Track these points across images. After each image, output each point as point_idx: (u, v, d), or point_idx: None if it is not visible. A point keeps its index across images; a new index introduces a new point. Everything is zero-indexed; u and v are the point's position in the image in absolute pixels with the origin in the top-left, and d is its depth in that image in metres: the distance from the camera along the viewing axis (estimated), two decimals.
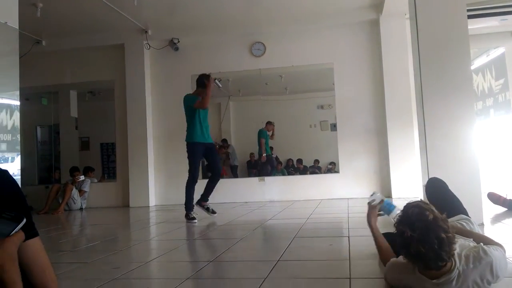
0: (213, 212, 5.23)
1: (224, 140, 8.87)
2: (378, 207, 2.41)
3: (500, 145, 7.59)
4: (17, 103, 4.69)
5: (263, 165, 8.44)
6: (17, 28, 4.50)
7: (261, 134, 8.42)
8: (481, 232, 2.36)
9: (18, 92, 4.76)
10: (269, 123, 8.51)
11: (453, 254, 1.62)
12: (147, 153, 7.50)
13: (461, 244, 1.75)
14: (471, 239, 1.92)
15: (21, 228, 0.86)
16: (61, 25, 7.26)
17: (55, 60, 8.05)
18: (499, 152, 7.47)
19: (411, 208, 1.65)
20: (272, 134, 8.40)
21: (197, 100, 4.97)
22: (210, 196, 5.24)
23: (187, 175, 5.07)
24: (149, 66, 7.70)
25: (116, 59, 7.77)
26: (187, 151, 5.07)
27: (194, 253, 3.23)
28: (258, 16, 7.14)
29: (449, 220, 2.08)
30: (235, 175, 8.41)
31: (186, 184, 5.05)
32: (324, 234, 3.65)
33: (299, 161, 8.70)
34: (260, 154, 8.42)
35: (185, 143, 5.10)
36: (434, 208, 1.65)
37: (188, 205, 4.99)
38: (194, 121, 5.02)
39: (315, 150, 8.97)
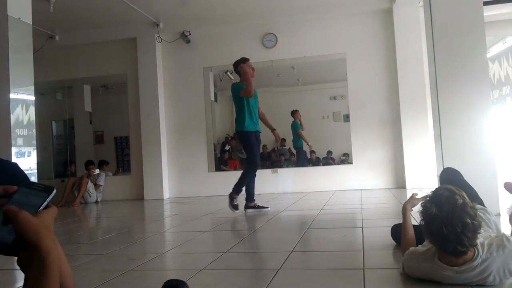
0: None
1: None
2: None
3: None
4: (32, 98, 4.74)
5: (301, 155, 8.41)
6: (31, 23, 4.55)
7: (297, 126, 8.45)
8: (497, 222, 2.33)
9: (33, 87, 4.82)
10: (296, 111, 8.51)
11: (476, 243, 1.60)
12: (160, 146, 7.56)
13: (483, 234, 1.73)
14: (491, 230, 1.90)
15: None
16: (73, 20, 7.32)
17: (68, 54, 8.13)
18: None
19: (443, 190, 1.63)
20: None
21: (242, 89, 4.82)
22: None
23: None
24: (161, 59, 7.73)
25: (129, 53, 7.81)
26: (241, 142, 4.94)
27: (208, 245, 3.25)
28: (269, 7, 7.09)
29: None
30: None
31: (245, 172, 4.85)
32: (338, 225, 3.64)
33: (312, 152, 8.69)
34: (299, 146, 8.38)
35: (235, 132, 4.90)
36: (466, 195, 1.63)
37: (237, 190, 4.81)
38: (244, 110, 4.84)
39: (328, 142, 8.94)
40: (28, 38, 4.58)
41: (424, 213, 1.60)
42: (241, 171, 4.95)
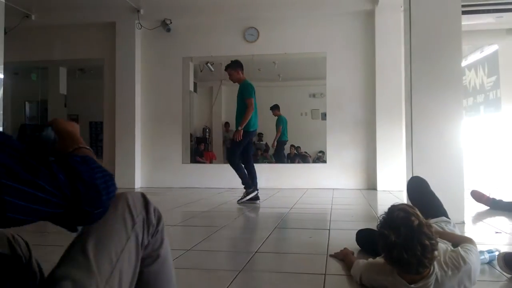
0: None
1: (227, 124, 8.95)
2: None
3: (487, 142, 7.64)
4: (1, 76, 4.59)
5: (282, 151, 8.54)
6: (3, 1, 4.39)
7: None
8: (459, 233, 2.36)
9: (1, 66, 4.66)
10: (277, 107, 8.53)
11: (433, 260, 1.61)
12: (135, 134, 7.43)
13: (440, 248, 1.75)
14: (450, 243, 1.93)
15: None
16: (51, 0, 7.10)
17: (44, 35, 7.88)
18: (486, 150, 7.51)
19: (397, 212, 1.62)
20: None
21: (249, 101, 5.14)
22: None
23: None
24: (140, 47, 7.57)
25: (107, 37, 7.62)
26: (240, 140, 5.04)
27: (173, 241, 3.21)
28: (253, 1, 7.03)
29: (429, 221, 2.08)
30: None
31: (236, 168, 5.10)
32: (306, 225, 3.65)
33: (297, 147, 8.73)
34: (285, 140, 8.49)
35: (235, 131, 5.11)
36: (419, 213, 1.63)
37: (248, 185, 5.07)
38: (256, 109, 5.17)
39: (305, 138, 8.99)
40: (0, 16, 4.43)
41: (382, 240, 1.59)
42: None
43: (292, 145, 8.72)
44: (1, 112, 4.61)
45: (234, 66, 5.27)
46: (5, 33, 7.24)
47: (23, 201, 0.72)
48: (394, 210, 1.63)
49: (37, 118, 9.21)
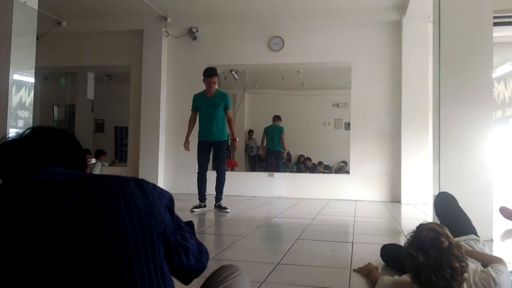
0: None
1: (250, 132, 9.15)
2: None
3: None
4: (32, 80, 4.70)
5: (278, 159, 8.53)
6: (36, 8, 4.51)
7: (282, 131, 8.47)
8: (488, 252, 2.29)
9: (33, 71, 4.78)
10: (278, 118, 8.49)
11: (463, 282, 1.56)
12: (159, 140, 7.51)
13: (469, 268, 1.69)
14: (479, 263, 1.86)
15: None
16: (82, 8, 7.29)
17: (74, 41, 8.08)
18: None
19: (426, 231, 1.57)
20: None
21: (228, 112, 5.38)
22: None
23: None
24: (166, 54, 7.67)
25: (134, 44, 7.76)
26: (223, 149, 5.28)
27: None
28: (279, 10, 7.04)
29: (458, 239, 2.02)
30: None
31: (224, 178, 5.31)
32: (328, 237, 3.60)
33: (308, 159, 8.68)
34: (281, 150, 8.49)
35: (224, 141, 5.28)
36: (449, 233, 1.58)
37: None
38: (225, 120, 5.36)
39: (327, 148, 8.91)
40: (33, 22, 4.56)
41: (410, 261, 1.55)
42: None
43: (301, 155, 8.67)
44: (32, 115, 4.71)
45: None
46: (37, 39, 7.50)
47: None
48: (423, 229, 1.58)
49: (65, 122, 9.41)
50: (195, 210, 5.03)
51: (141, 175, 7.45)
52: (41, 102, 9.21)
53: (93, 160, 7.49)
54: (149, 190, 0.94)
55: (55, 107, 9.76)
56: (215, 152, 5.26)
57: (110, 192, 0.88)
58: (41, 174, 0.93)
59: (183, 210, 5.14)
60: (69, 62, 8.26)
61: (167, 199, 0.99)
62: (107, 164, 8.12)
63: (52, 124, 9.48)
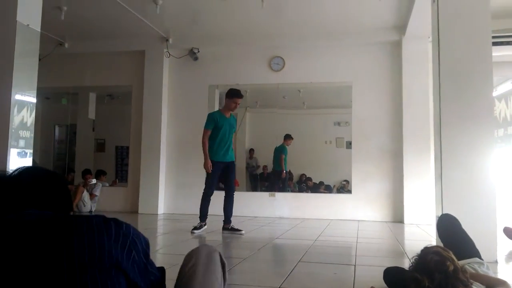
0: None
1: (251, 150, 9.21)
2: None
3: None
4: (34, 101, 4.71)
5: (284, 180, 8.52)
6: (39, 30, 4.56)
7: (283, 150, 8.45)
8: (493, 275, 2.24)
9: (35, 92, 4.80)
10: (288, 136, 8.49)
11: None
12: (159, 160, 7.50)
13: None
14: (484, 286, 1.83)
15: None
16: (84, 29, 7.37)
17: (76, 62, 8.16)
18: None
19: (431, 255, 1.55)
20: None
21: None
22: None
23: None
24: (167, 74, 7.73)
25: (136, 65, 7.83)
26: (233, 171, 5.27)
27: None
28: (280, 30, 7.11)
29: (462, 262, 1.99)
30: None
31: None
32: (330, 260, 3.55)
33: (309, 179, 8.66)
34: (278, 170, 8.44)
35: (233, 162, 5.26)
36: (454, 257, 1.55)
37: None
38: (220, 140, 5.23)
39: (329, 167, 8.89)
40: (35, 44, 4.60)
41: (415, 285, 1.52)
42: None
43: (303, 174, 8.65)
44: (33, 135, 4.71)
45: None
46: (39, 60, 7.56)
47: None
48: (428, 253, 1.56)
49: (66, 141, 9.42)
50: (195, 231, 4.96)
51: (142, 196, 7.42)
52: (42, 122, 9.25)
53: (94, 181, 7.47)
54: (113, 231, 1.01)
55: (56, 127, 9.79)
56: (228, 172, 5.15)
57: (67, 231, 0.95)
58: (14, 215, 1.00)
59: (185, 231, 5.09)
60: (71, 83, 8.32)
61: (143, 243, 1.06)
62: (107, 184, 8.08)
63: (53, 144, 9.50)
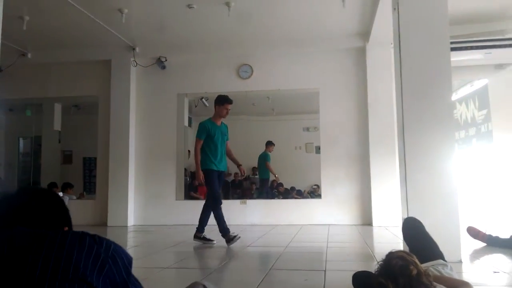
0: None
1: None
2: None
3: (481, 175, 7.65)
4: None
5: (276, 187, 8.57)
6: None
7: (267, 157, 8.48)
8: (456, 276, 2.32)
9: None
10: (270, 143, 8.53)
11: None
12: (128, 171, 7.37)
13: None
14: None
15: None
16: (47, 39, 7.19)
17: (40, 73, 7.95)
18: (480, 183, 7.52)
19: (395, 260, 1.59)
20: None
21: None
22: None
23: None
24: (135, 84, 7.63)
25: (102, 74, 7.69)
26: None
27: (163, 285, 3.13)
28: (247, 39, 7.17)
29: (426, 264, 2.05)
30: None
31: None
32: (301, 266, 3.58)
33: (280, 184, 8.74)
34: (265, 178, 8.49)
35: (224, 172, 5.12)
36: (417, 261, 1.60)
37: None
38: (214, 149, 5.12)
39: (300, 172, 8.99)
40: None
41: None
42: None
43: (274, 180, 8.74)
44: None
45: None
46: (1, 70, 7.34)
47: None
48: (393, 258, 1.60)
49: (31, 154, 9.17)
50: (231, 243, 4.73)
51: (111, 207, 7.28)
52: (6, 135, 8.98)
53: (60, 194, 7.28)
54: (86, 245, 1.05)
55: (20, 139, 9.52)
56: (219, 181, 5.03)
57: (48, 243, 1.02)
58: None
59: (156, 243, 5.02)
60: (35, 94, 8.09)
61: (125, 261, 1.11)
62: (74, 198, 7.89)
63: (18, 156, 9.23)
